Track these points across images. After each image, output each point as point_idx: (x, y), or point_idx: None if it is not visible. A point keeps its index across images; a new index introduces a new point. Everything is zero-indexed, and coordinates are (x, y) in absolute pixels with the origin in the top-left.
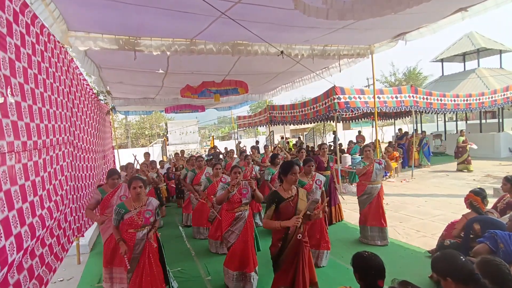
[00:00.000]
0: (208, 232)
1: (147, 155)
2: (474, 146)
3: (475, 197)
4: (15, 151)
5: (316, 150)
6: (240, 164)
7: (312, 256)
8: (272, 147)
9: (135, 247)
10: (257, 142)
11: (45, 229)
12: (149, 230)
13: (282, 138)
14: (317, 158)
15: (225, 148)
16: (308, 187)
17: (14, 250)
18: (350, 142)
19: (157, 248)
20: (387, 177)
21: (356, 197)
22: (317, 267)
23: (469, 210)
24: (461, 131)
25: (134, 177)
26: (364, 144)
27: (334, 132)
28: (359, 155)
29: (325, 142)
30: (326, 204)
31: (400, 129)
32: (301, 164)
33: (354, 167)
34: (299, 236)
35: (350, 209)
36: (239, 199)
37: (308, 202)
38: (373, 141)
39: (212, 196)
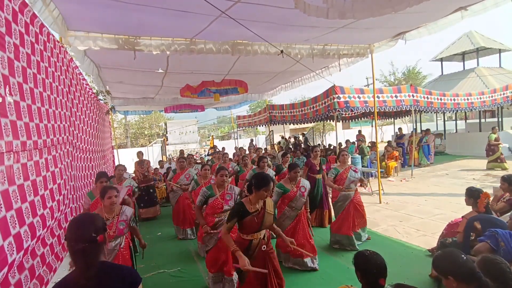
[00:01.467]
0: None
1: (140, 154)
2: (506, 145)
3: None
4: (14, 150)
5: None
6: (226, 165)
7: (301, 264)
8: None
9: (106, 257)
10: (223, 148)
11: (45, 229)
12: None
13: (282, 137)
14: (309, 161)
15: (239, 148)
16: (292, 195)
17: (13, 250)
18: (347, 141)
19: (129, 257)
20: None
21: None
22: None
23: (469, 211)
24: (493, 128)
25: (109, 186)
26: (342, 148)
27: (304, 134)
28: (358, 154)
29: (321, 142)
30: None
31: (400, 129)
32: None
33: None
34: (264, 248)
35: None
36: (221, 205)
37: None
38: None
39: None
